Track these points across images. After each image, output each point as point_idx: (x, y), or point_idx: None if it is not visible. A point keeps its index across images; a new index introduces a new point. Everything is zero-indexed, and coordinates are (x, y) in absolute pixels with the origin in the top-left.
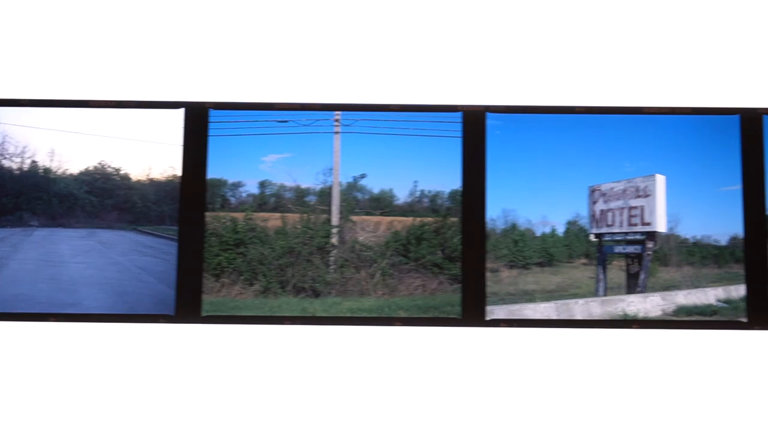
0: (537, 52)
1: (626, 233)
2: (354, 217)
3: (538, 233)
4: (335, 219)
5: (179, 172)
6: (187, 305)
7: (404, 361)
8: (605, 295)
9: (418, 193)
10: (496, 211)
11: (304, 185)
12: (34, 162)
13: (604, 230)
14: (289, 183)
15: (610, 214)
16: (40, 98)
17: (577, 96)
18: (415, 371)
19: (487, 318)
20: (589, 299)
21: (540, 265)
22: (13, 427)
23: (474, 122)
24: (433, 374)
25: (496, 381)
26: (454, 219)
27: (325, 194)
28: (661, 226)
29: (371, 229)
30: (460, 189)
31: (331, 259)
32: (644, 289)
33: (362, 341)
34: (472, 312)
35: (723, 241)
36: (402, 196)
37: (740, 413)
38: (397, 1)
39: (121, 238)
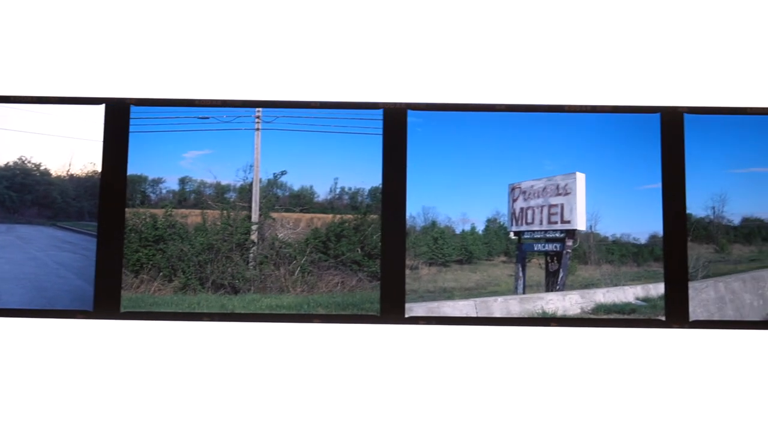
0: (458, 49)
1: (546, 231)
2: (274, 214)
3: (458, 231)
4: (255, 216)
5: (99, 168)
6: (105, 301)
7: (322, 359)
8: (524, 293)
9: (338, 190)
10: (417, 208)
11: (224, 182)
12: None
13: (523, 228)
14: (209, 180)
15: (530, 212)
16: None
17: (499, 93)
18: (334, 368)
19: (406, 315)
20: (508, 297)
21: (459, 262)
22: None
23: (395, 119)
24: (351, 371)
25: (414, 378)
26: (374, 216)
27: (245, 191)
28: (580, 224)
29: (291, 226)
30: (381, 186)
31: (251, 255)
32: (563, 287)
33: (281, 338)
34: (390, 309)
35: (642, 239)
36: (322, 193)
37: (656, 411)
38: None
39: (39, 233)
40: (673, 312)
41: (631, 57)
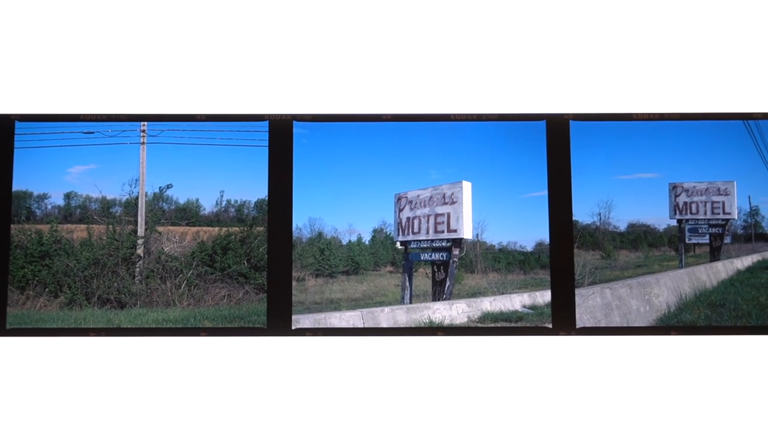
0: (342, 60)
1: (432, 240)
2: (160, 228)
3: (345, 241)
4: (141, 230)
5: None
6: None
7: (209, 372)
8: (411, 302)
9: (224, 203)
10: (303, 219)
11: (110, 196)
12: None
13: (410, 238)
14: (94, 194)
15: (416, 222)
16: None
17: (385, 104)
18: (221, 382)
19: (293, 327)
20: (395, 307)
21: (346, 273)
22: None
23: (280, 131)
24: (238, 384)
25: (300, 389)
26: (261, 228)
27: (131, 205)
28: (467, 232)
29: (177, 240)
30: (267, 198)
31: (137, 270)
32: (450, 296)
33: (167, 352)
34: (277, 321)
35: (529, 246)
36: (208, 206)
37: (544, 417)
38: (204, 10)
39: None
40: (560, 319)
41: (517, 64)
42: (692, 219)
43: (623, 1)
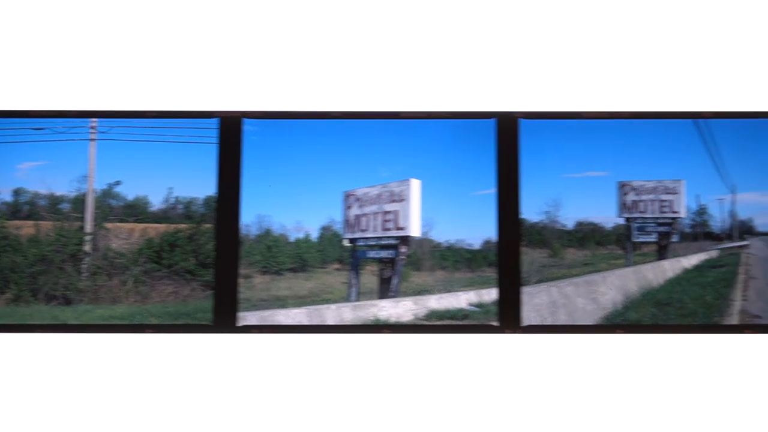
0: (292, 56)
1: (380, 238)
2: (108, 225)
3: (292, 239)
4: (89, 226)
5: None
6: None
7: (155, 369)
8: (358, 300)
9: (173, 200)
10: (251, 216)
11: (58, 193)
12: None
13: (358, 235)
14: (43, 191)
15: (364, 219)
16: None
17: (334, 101)
18: (166, 378)
19: (239, 324)
20: (342, 304)
21: (293, 270)
22: None
23: (230, 128)
24: (183, 381)
25: (246, 387)
26: (209, 225)
27: (79, 202)
28: (415, 230)
29: (125, 236)
30: (215, 195)
31: (84, 266)
32: (397, 294)
33: (114, 349)
34: (223, 318)
35: (476, 244)
36: (157, 202)
37: (488, 414)
38: (155, 8)
39: None
40: (506, 317)
41: (467, 63)
42: (640, 217)
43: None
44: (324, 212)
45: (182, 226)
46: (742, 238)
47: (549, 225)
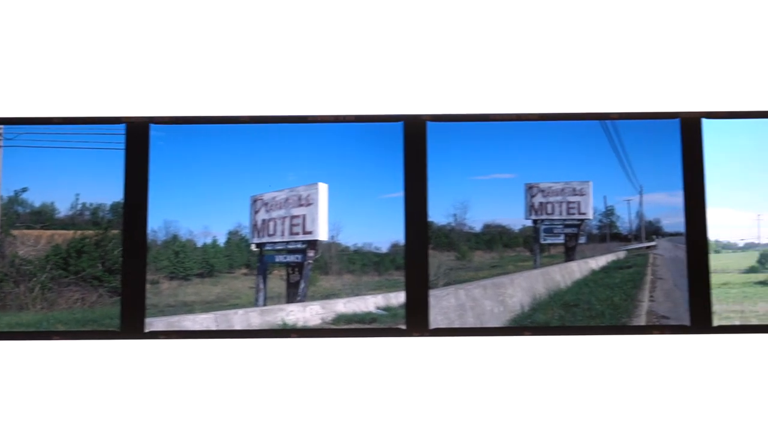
0: (199, 61)
1: (287, 242)
2: (14, 231)
3: (200, 244)
4: None
5: None
6: None
7: (61, 375)
8: (265, 304)
9: (79, 206)
10: (158, 222)
11: None
12: None
13: (265, 240)
14: None
15: (272, 224)
16: None
17: (241, 105)
18: (71, 385)
19: (146, 330)
20: (249, 309)
21: (201, 276)
22: None
23: (137, 134)
24: (89, 388)
25: (152, 393)
26: (116, 231)
27: None
28: (322, 234)
29: (32, 243)
30: (122, 201)
31: None
32: (304, 298)
33: (20, 356)
34: (130, 324)
35: (384, 248)
36: (63, 209)
37: (397, 419)
38: (61, 14)
39: None
40: (414, 320)
41: (374, 66)
42: (547, 219)
43: (479, 1)
44: (232, 217)
45: (89, 232)
46: (649, 239)
47: (456, 228)
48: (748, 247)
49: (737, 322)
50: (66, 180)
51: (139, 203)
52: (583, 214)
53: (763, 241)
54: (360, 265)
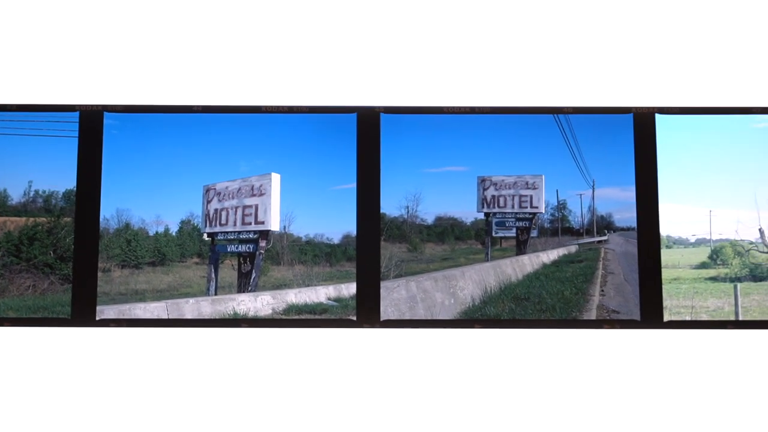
0: (153, 50)
1: (239, 232)
2: None
3: (152, 233)
4: None
5: None
6: None
7: (12, 363)
8: (216, 294)
9: (32, 194)
10: (111, 210)
11: None
12: None
13: (217, 229)
14: None
15: (224, 213)
16: None
17: (195, 95)
18: (23, 373)
19: (97, 318)
20: (200, 298)
21: (152, 264)
22: None
23: (90, 122)
24: (41, 375)
25: (100, 380)
26: (68, 219)
27: None
28: (274, 224)
29: None
30: (75, 189)
31: None
32: (255, 288)
33: None
34: (81, 312)
35: (336, 239)
36: (16, 196)
37: (346, 410)
38: (17, 2)
39: None
40: (364, 312)
41: (328, 56)
42: (499, 212)
43: None
44: (184, 206)
45: (41, 219)
46: (601, 234)
47: (409, 220)
48: (700, 242)
49: (688, 318)
50: (19, 167)
51: (92, 191)
52: (536, 207)
53: (715, 236)
54: (311, 256)
